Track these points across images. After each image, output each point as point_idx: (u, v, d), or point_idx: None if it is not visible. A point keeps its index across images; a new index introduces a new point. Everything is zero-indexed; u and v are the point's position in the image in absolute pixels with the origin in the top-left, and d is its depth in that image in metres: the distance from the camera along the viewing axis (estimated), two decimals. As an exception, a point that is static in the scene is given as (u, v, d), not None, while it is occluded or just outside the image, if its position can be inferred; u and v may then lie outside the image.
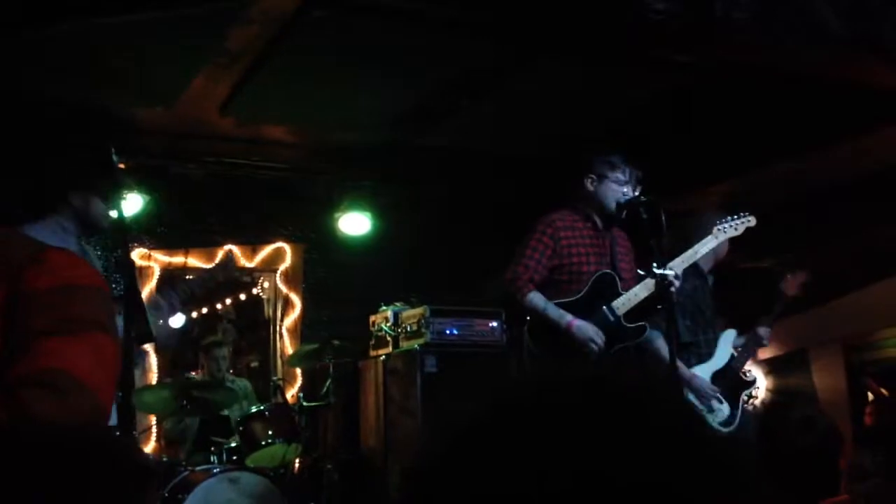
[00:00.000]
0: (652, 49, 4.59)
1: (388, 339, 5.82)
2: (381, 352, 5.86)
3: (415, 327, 5.66)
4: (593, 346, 3.81)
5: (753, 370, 5.53)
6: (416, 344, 5.57)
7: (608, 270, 3.99)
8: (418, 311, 5.68)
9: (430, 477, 0.63)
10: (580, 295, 3.94)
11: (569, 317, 3.86)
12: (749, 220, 4.14)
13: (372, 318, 6.02)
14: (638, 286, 3.90)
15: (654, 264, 3.76)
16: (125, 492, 0.92)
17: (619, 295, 3.93)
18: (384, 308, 5.95)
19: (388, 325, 5.82)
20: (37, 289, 1.48)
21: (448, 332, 5.62)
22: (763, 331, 4.60)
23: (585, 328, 3.84)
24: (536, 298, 3.92)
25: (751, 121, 5.25)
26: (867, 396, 6.10)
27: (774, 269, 5.63)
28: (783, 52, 4.37)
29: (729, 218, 4.14)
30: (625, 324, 3.91)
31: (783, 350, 6.34)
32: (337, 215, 6.37)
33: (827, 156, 5.58)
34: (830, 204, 5.93)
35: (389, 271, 6.42)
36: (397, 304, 5.94)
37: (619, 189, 3.97)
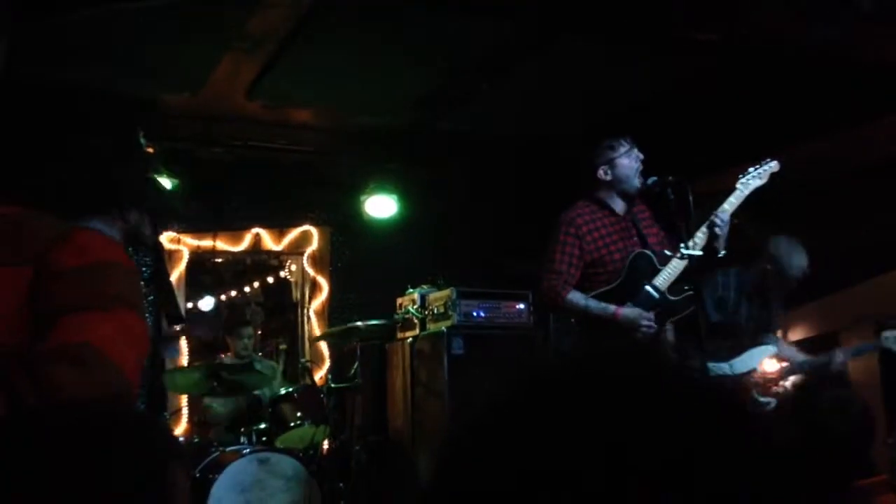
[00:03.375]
0: (676, 27, 4.54)
1: (415, 321, 5.83)
2: (408, 334, 5.88)
3: (441, 309, 5.67)
4: (644, 329, 3.78)
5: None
6: (442, 326, 5.58)
7: (641, 250, 3.95)
8: (445, 293, 5.69)
9: (465, 452, 0.62)
10: (619, 280, 3.90)
11: (612, 307, 3.82)
12: (771, 166, 3.99)
13: (399, 300, 6.04)
14: (676, 259, 3.85)
15: (682, 245, 3.72)
16: (148, 469, 0.93)
17: (658, 271, 3.88)
18: (411, 290, 5.96)
19: (415, 307, 5.83)
20: (64, 267, 1.49)
21: (475, 314, 5.62)
22: (841, 353, 4.50)
23: (630, 314, 3.80)
24: (575, 298, 3.89)
25: (777, 100, 5.17)
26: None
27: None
28: (810, 29, 4.30)
29: (751, 169, 4.01)
30: (671, 297, 3.86)
31: (814, 332, 6.27)
32: (363, 198, 6.38)
33: (855, 136, 5.49)
34: (860, 184, 5.83)
35: (416, 254, 6.42)
36: (424, 286, 5.95)
37: (631, 163, 3.95)
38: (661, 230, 4.06)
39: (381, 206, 6.40)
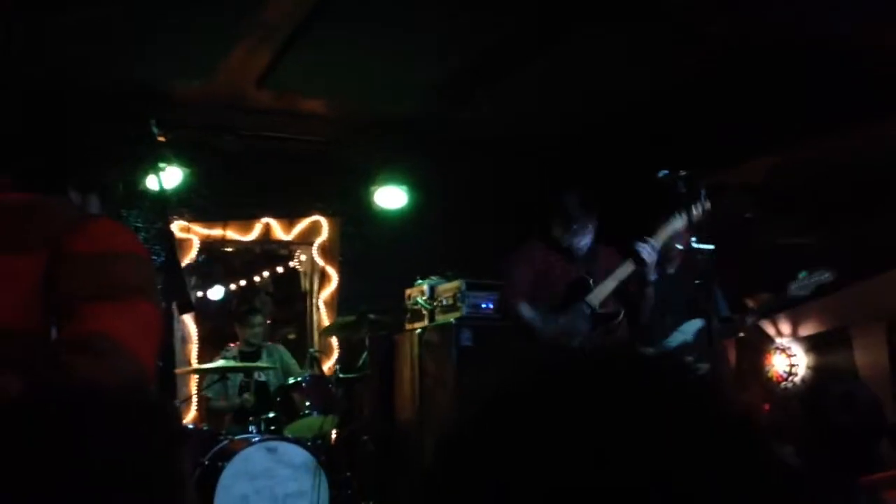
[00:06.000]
0: (683, 20, 4.52)
1: (424, 312, 5.84)
2: (416, 325, 5.89)
3: (450, 301, 5.68)
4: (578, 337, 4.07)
5: (795, 348, 5.44)
6: (451, 318, 5.59)
7: (582, 275, 4.20)
8: (454, 284, 5.69)
9: (463, 444, 0.63)
10: (558, 299, 4.17)
11: (551, 324, 4.09)
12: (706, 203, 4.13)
13: (408, 291, 6.05)
14: (608, 279, 4.09)
15: (694, 239, 3.76)
16: (156, 453, 0.93)
17: (591, 291, 4.13)
18: (420, 282, 5.97)
19: (424, 298, 5.84)
20: (77, 255, 1.49)
21: (483, 305, 5.62)
22: (751, 313, 4.56)
23: (563, 328, 4.08)
24: (524, 309, 4.16)
25: (785, 96, 5.14)
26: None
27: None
28: (815, 23, 4.28)
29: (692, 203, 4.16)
30: (599, 311, 4.12)
31: (823, 328, 6.25)
32: (373, 189, 6.38)
33: (866, 131, 5.46)
34: (872, 178, 5.80)
35: (425, 245, 6.43)
36: (433, 277, 5.95)
37: (581, 238, 4.23)
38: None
39: (391, 196, 6.40)
